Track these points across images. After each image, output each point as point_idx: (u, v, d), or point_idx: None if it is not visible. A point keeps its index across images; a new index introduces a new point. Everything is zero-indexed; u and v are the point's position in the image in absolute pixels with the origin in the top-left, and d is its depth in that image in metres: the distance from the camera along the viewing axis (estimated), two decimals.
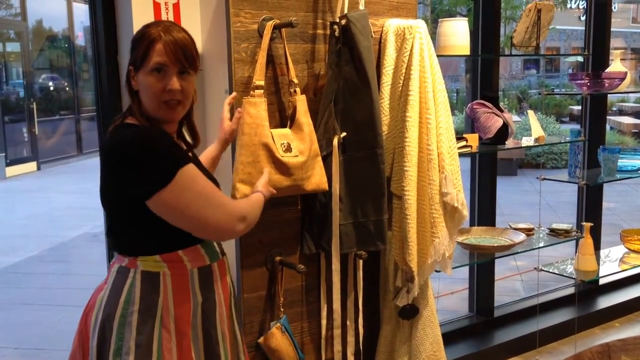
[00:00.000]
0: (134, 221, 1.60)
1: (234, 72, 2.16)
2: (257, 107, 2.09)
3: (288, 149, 2.13)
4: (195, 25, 2.42)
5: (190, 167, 1.57)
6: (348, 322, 2.45)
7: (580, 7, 16.70)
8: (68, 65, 13.55)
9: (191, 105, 1.74)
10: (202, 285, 1.69)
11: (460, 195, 2.37)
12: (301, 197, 2.31)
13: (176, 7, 2.39)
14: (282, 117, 2.25)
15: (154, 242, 1.63)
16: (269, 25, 2.14)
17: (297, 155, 2.14)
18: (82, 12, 13.20)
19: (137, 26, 2.27)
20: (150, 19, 2.31)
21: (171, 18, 2.38)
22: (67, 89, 13.48)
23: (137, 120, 1.63)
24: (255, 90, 2.10)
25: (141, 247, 1.63)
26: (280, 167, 2.10)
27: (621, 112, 13.96)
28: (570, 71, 18.15)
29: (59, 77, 13.56)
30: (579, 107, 13.07)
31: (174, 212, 1.55)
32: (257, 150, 2.07)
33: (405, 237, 2.31)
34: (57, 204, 8.64)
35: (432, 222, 2.34)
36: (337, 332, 2.41)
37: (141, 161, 1.53)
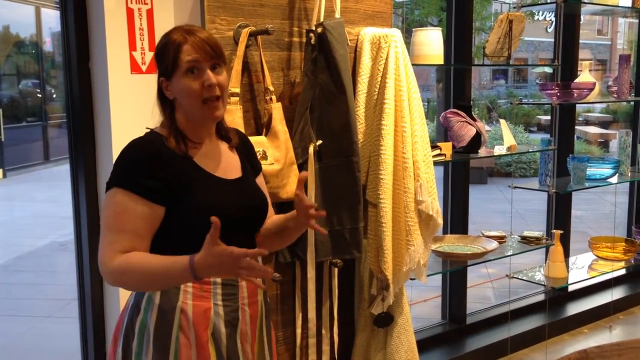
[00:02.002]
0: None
1: None
2: (233, 115, 2.08)
3: (264, 156, 2.12)
4: None
5: (121, 194, 1.51)
6: (323, 331, 2.44)
7: (548, 19, 17.04)
8: (36, 72, 13.32)
9: None
10: (225, 298, 1.61)
11: (435, 203, 2.38)
12: (276, 206, 2.30)
13: (150, 13, 2.36)
14: (258, 124, 2.24)
15: (178, 248, 1.50)
16: (245, 32, 2.13)
17: (272, 163, 2.13)
18: (50, 18, 13.01)
19: (109, 32, 2.25)
20: (123, 25, 2.29)
21: (145, 24, 2.35)
22: (35, 95, 13.24)
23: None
24: (231, 98, 2.09)
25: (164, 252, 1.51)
26: None
27: (587, 122, 14.25)
28: (537, 82, 18.48)
29: (26, 83, 13.32)
30: (547, 117, 13.31)
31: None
32: None
33: (381, 245, 2.31)
34: (23, 212, 8.46)
35: (407, 230, 2.35)
36: (312, 340, 2.40)
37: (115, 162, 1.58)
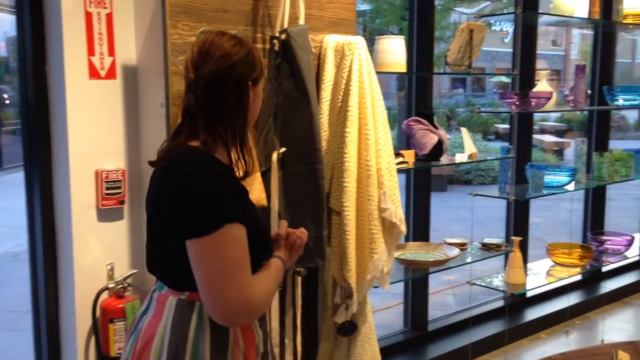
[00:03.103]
0: None
1: (170, 86, 2.10)
2: None
3: None
4: (129, 36, 2.35)
5: (235, 228, 1.40)
6: (286, 340, 2.41)
7: (504, 29, 17.41)
8: None
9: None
10: (260, 322, 1.60)
11: (398, 211, 2.39)
12: None
13: (109, 17, 2.32)
14: None
15: None
16: None
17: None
18: (5, 22, 12.67)
19: (67, 36, 2.19)
20: (82, 29, 2.23)
21: (104, 29, 2.30)
22: None
23: (206, 145, 1.46)
24: None
25: None
26: None
27: (543, 131, 14.58)
28: (495, 91, 18.85)
29: None
30: (504, 125, 13.57)
31: (197, 263, 1.40)
32: None
33: (345, 253, 2.30)
34: None
35: (371, 238, 2.34)
36: (275, 350, 2.37)
37: (201, 198, 1.39)
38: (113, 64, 2.32)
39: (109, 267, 2.34)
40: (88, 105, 2.27)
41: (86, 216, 2.29)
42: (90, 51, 2.27)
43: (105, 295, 2.32)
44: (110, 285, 2.33)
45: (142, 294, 2.39)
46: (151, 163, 1.56)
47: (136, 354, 1.52)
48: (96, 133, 2.30)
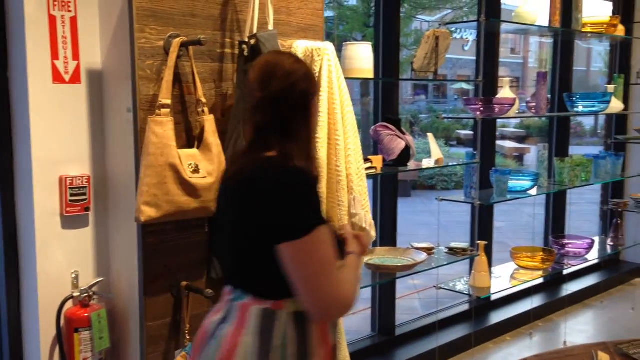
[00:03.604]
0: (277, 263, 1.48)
1: (138, 90, 2.07)
2: (164, 127, 2.02)
3: (196, 170, 2.07)
4: (94, 40, 2.31)
5: (324, 230, 1.47)
6: None
7: (465, 37, 17.70)
8: None
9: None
10: (332, 327, 1.64)
11: (368, 216, 2.40)
12: (208, 220, 2.25)
13: (74, 21, 2.28)
14: (190, 137, 2.19)
15: None
16: (176, 42, 2.08)
17: (205, 177, 2.08)
18: None
19: (30, 40, 2.14)
20: (45, 32, 2.19)
21: (68, 32, 2.26)
22: None
23: (283, 156, 1.52)
24: (162, 109, 2.03)
25: (287, 288, 1.49)
26: (188, 188, 2.03)
27: (503, 137, 14.85)
28: (456, 97, 19.11)
29: None
30: (466, 132, 13.76)
31: (293, 265, 1.45)
32: (164, 171, 1.99)
33: None
34: None
35: None
36: None
37: (292, 203, 1.45)
38: (77, 68, 2.28)
39: (73, 276, 2.30)
40: (52, 110, 2.22)
41: (50, 223, 2.24)
42: (54, 55, 2.23)
43: (69, 304, 2.28)
44: (75, 294, 2.28)
45: (107, 302, 2.35)
46: (231, 176, 1.59)
47: None
48: (60, 139, 2.25)
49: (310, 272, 1.45)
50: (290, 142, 1.54)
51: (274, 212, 1.45)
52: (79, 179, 2.27)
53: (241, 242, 1.53)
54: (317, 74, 2.34)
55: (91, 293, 2.29)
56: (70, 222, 2.29)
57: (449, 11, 13.51)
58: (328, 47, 2.37)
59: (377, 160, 2.86)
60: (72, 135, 2.28)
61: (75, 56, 2.28)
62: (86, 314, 2.24)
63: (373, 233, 2.44)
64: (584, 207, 7.67)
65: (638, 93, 5.04)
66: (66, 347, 2.25)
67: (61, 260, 2.28)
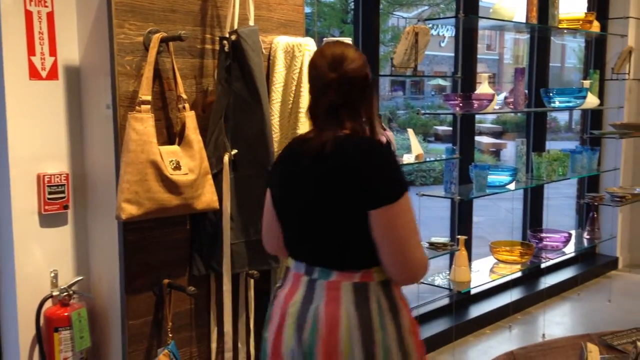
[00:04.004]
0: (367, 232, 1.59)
1: (117, 86, 2.05)
2: (144, 123, 2.00)
3: (177, 166, 2.05)
4: (72, 35, 2.28)
5: (408, 195, 1.59)
6: (239, 345, 2.38)
7: (442, 34, 17.81)
8: None
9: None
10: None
11: None
12: (190, 217, 2.23)
13: (50, 16, 2.24)
14: (170, 133, 2.17)
15: None
16: (156, 37, 2.06)
17: (186, 173, 2.06)
18: None
19: (6, 35, 2.11)
20: (22, 28, 2.16)
21: (45, 28, 2.23)
22: None
23: (359, 132, 1.65)
24: (142, 106, 2.01)
25: (374, 257, 1.61)
26: (169, 185, 2.02)
27: (480, 133, 14.97)
28: (432, 93, 19.21)
29: None
30: (444, 127, 13.84)
31: (387, 229, 1.56)
32: (145, 168, 1.97)
33: None
34: None
35: None
36: (228, 355, 2.34)
37: (387, 170, 1.59)
38: (55, 64, 2.25)
39: (52, 275, 2.27)
40: (29, 107, 2.19)
41: (28, 222, 2.21)
42: (31, 51, 2.19)
43: (49, 303, 2.25)
44: (55, 293, 2.25)
45: (88, 301, 2.33)
46: (308, 154, 1.65)
47: (322, 342, 1.59)
48: (37, 136, 2.22)
49: (402, 234, 1.56)
50: (359, 120, 1.66)
51: (372, 180, 1.56)
52: (57, 177, 2.24)
53: (329, 217, 1.61)
54: (297, 70, 2.33)
55: (71, 292, 2.26)
56: (48, 220, 2.25)
57: (426, 7, 13.57)
58: (309, 43, 2.36)
59: None
60: (49, 132, 2.25)
61: (52, 52, 2.24)
62: (66, 313, 2.21)
63: None
64: (560, 201, 7.77)
65: (613, 88, 5.11)
66: (46, 347, 2.22)
67: (40, 259, 2.24)
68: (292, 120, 2.35)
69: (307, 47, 2.34)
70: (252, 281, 2.35)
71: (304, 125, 2.30)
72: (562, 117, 16.27)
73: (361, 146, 1.61)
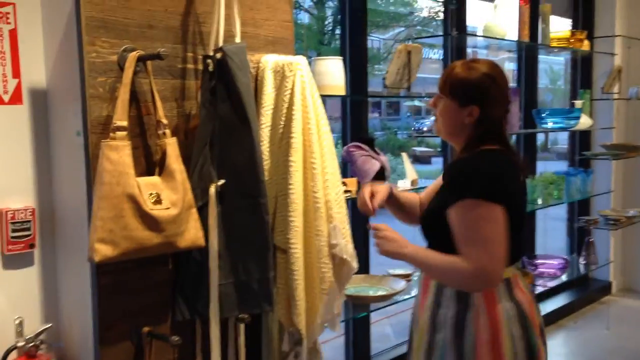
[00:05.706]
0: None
1: (89, 111, 1.83)
2: (120, 152, 1.78)
3: (158, 200, 1.83)
4: (37, 55, 2.07)
5: (499, 209, 1.75)
6: None
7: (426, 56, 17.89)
8: None
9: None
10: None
11: (349, 246, 2.19)
12: (173, 256, 2.01)
13: (13, 33, 2.04)
14: (149, 163, 1.95)
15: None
16: (132, 56, 1.85)
17: (168, 208, 1.84)
18: None
19: None
20: None
21: (7, 47, 2.02)
22: None
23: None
24: (117, 132, 1.79)
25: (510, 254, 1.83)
26: (149, 221, 1.79)
27: None
28: (408, 115, 19.22)
29: None
30: (421, 149, 13.74)
31: (462, 226, 1.78)
32: (121, 202, 1.75)
33: (293, 295, 2.08)
34: None
35: (321, 277, 2.13)
36: None
37: (482, 173, 1.82)
38: (18, 87, 2.05)
39: (17, 322, 2.05)
40: None
41: None
42: None
43: (14, 355, 2.01)
44: (20, 344, 2.01)
45: (57, 351, 2.09)
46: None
47: (488, 341, 1.81)
48: (0, 167, 2.00)
49: (475, 236, 1.78)
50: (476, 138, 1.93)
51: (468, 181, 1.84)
52: (22, 212, 2.03)
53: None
54: (288, 92, 2.14)
55: (38, 342, 2.02)
56: (12, 261, 2.04)
57: (402, 29, 13.55)
58: (300, 62, 2.17)
59: (352, 183, 2.67)
60: (13, 163, 2.04)
61: (16, 74, 2.04)
62: None
63: (355, 264, 2.23)
64: (547, 223, 7.64)
65: (601, 108, 5.01)
66: None
67: (3, 306, 2.03)
68: (283, 146, 2.14)
69: (299, 66, 2.15)
70: (242, 326, 2.12)
71: (296, 152, 2.10)
72: (539, 137, 16.35)
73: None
